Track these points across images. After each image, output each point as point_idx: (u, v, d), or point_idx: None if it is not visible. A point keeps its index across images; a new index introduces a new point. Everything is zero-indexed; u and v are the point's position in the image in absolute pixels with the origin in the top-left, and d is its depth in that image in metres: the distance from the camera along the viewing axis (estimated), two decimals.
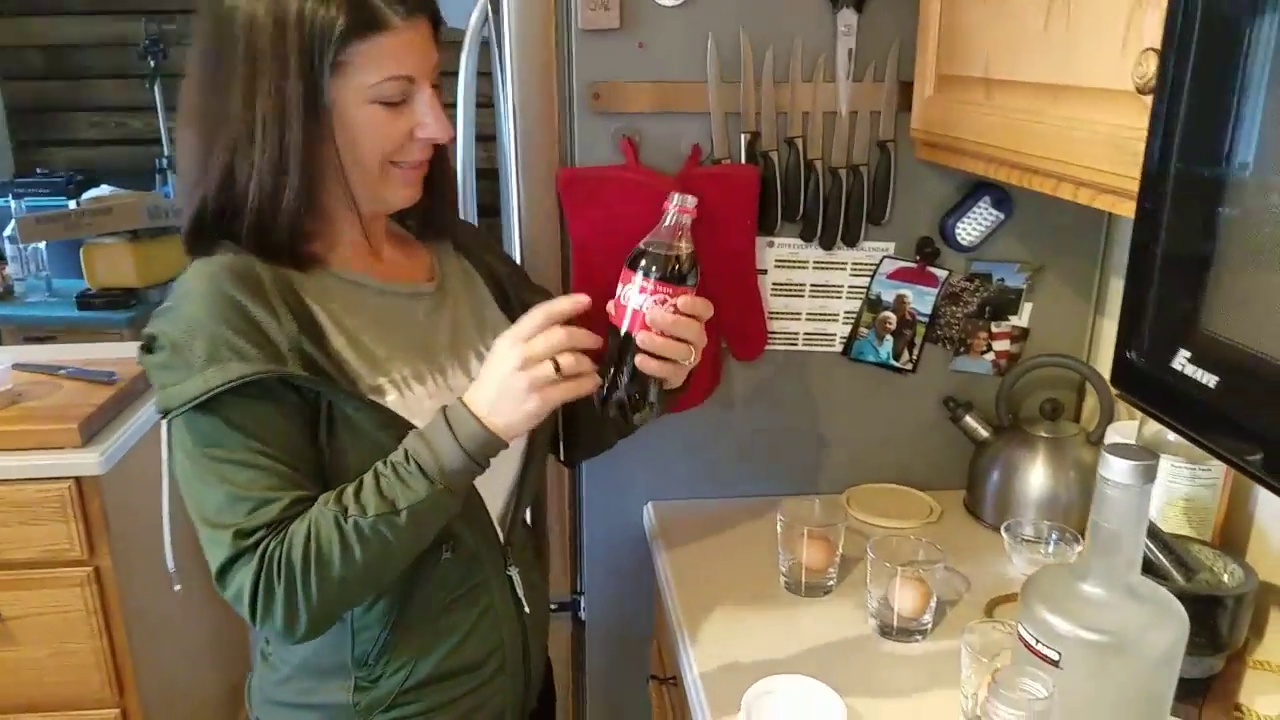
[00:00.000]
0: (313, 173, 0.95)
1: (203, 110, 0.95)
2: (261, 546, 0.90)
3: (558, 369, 0.92)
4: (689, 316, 0.96)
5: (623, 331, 0.97)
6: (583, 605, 1.63)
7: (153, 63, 3.51)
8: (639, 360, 0.97)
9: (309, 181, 0.95)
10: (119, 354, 2.03)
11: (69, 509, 1.67)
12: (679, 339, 0.96)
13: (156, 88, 3.54)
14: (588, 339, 0.94)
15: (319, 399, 0.94)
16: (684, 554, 1.42)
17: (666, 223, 0.97)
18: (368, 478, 0.93)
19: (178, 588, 1.00)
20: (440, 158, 1.08)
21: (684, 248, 0.96)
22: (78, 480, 1.67)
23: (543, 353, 0.92)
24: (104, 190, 3.24)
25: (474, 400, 0.94)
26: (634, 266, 0.96)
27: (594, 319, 0.98)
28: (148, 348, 0.94)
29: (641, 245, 0.97)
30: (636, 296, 0.96)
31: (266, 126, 0.92)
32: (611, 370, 0.99)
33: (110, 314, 2.98)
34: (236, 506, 0.90)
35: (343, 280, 1.02)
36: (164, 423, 0.94)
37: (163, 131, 3.62)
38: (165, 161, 3.53)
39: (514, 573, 1.11)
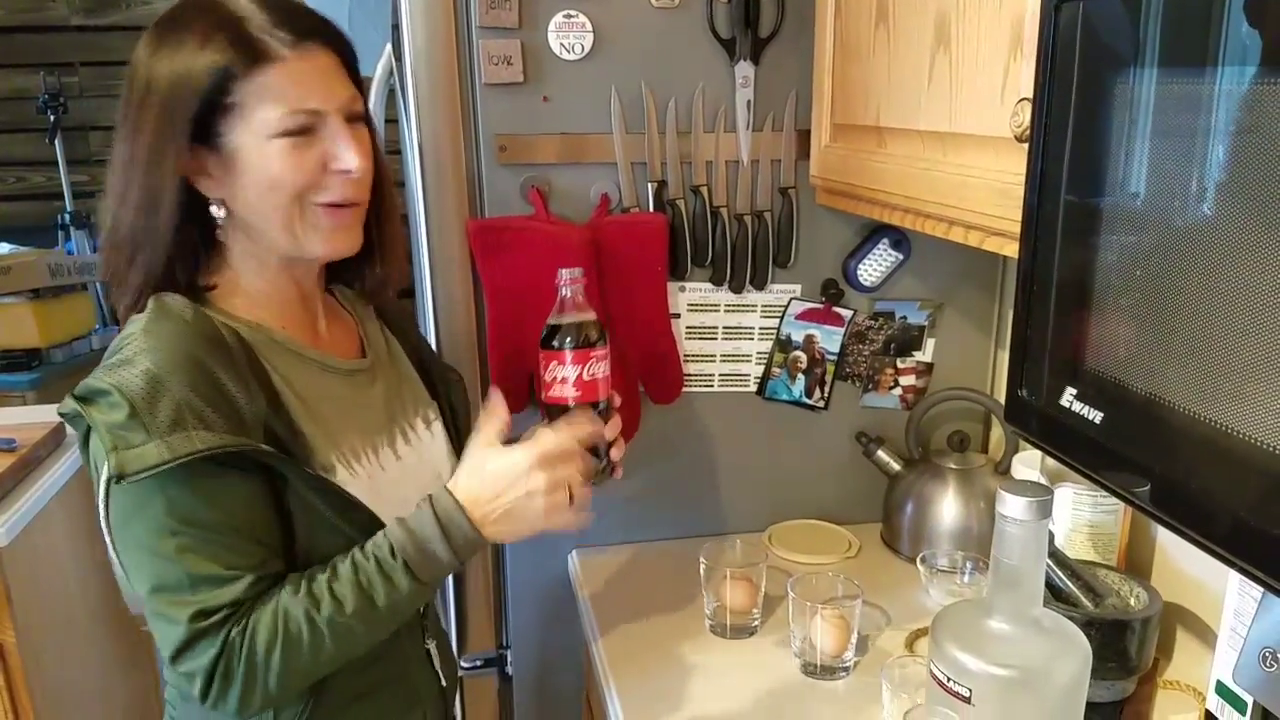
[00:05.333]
0: (217, 220, 0.95)
1: (110, 161, 0.94)
2: (224, 630, 0.86)
3: (572, 498, 0.96)
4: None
5: (596, 402, 1.06)
6: (509, 660, 1.60)
7: (52, 116, 3.41)
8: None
9: (185, 225, 0.93)
10: (18, 419, 1.96)
11: None
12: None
13: (58, 141, 3.44)
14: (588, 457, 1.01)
15: (281, 476, 0.91)
16: (609, 602, 1.42)
17: (566, 297, 1.05)
18: (344, 568, 0.90)
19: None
20: (383, 211, 1.04)
21: (589, 315, 1.05)
22: None
23: (566, 480, 0.96)
24: (2, 248, 3.13)
25: (471, 503, 0.94)
26: (553, 346, 1.04)
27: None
28: (84, 398, 0.87)
29: (553, 324, 1.04)
30: (572, 369, 1.03)
31: (139, 170, 0.91)
32: None
33: (10, 377, 2.86)
34: (198, 584, 0.86)
35: (290, 351, 0.99)
36: (103, 482, 0.87)
37: (65, 186, 3.50)
38: (68, 217, 3.42)
39: (431, 645, 1.10)
